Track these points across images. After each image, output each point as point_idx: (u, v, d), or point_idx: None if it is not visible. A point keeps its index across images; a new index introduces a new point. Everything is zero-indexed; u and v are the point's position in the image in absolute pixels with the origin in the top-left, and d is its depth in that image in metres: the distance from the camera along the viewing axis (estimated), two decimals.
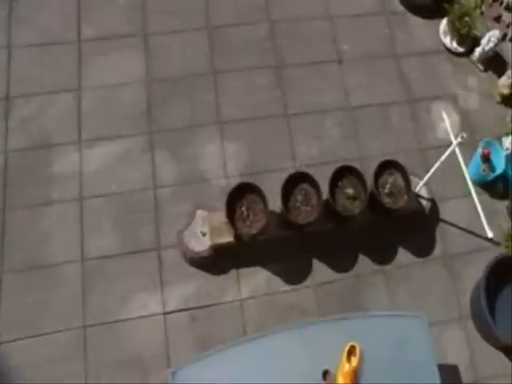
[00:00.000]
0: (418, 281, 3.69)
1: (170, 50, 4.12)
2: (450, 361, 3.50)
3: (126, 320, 3.39)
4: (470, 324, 3.63)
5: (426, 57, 4.43)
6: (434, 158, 3.46)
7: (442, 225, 3.89)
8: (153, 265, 3.53)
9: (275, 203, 3.38)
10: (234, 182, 3.49)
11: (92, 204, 3.63)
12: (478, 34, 4.40)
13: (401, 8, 4.57)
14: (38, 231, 3.53)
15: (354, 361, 2.63)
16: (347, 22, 4.43)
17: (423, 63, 4.40)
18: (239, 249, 3.52)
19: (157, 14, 4.21)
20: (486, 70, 4.43)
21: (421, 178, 3.65)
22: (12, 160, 3.69)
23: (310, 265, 3.65)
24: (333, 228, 3.62)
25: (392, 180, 3.57)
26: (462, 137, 3.14)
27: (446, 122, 3.58)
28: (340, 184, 3.48)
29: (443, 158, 3.31)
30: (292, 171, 3.53)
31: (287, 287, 3.58)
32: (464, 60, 4.45)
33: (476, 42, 4.40)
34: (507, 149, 4.07)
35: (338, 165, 3.50)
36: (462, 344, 3.57)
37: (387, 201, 3.51)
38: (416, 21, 4.54)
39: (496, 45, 4.24)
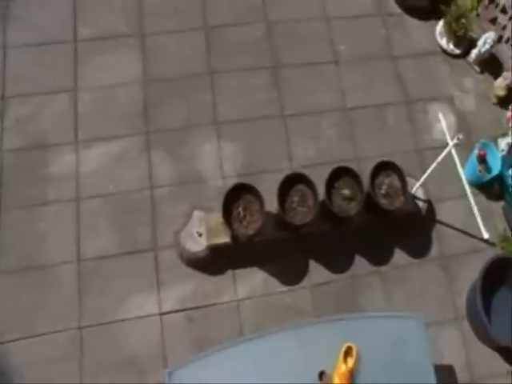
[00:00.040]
0: (414, 282, 3.70)
1: (166, 50, 4.11)
2: (446, 361, 3.51)
3: (122, 320, 3.38)
4: (466, 324, 3.65)
5: (422, 58, 4.44)
6: (430, 159, 3.47)
7: (438, 226, 3.90)
8: (149, 265, 3.53)
9: (272, 204, 3.37)
10: (231, 182, 3.49)
11: (89, 204, 3.63)
12: (474, 35, 4.42)
13: (397, 9, 4.59)
14: (34, 232, 3.52)
15: (351, 361, 2.63)
16: (344, 23, 4.43)
17: (420, 64, 4.41)
18: (236, 249, 3.53)
19: (153, 15, 4.21)
20: (482, 72, 4.45)
21: (417, 179, 3.66)
22: (8, 160, 3.68)
23: (307, 266, 3.65)
24: (329, 229, 3.62)
25: (388, 181, 3.58)
26: (458, 138, 3.15)
27: (443, 123, 3.60)
28: (336, 185, 3.48)
29: (439, 159, 3.32)
30: (288, 172, 3.53)
31: (284, 288, 3.58)
32: (460, 61, 4.47)
33: (472, 43, 4.41)
34: (503, 150, 4.08)
35: (335, 166, 3.50)
36: (457, 344, 3.58)
37: (383, 202, 3.51)
38: (412, 22, 4.56)
39: (492, 46, 4.26)
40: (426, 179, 3.55)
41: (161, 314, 3.42)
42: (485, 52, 4.28)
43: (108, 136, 3.81)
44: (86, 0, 4.18)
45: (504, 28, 4.38)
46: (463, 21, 4.27)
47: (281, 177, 3.40)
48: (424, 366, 2.75)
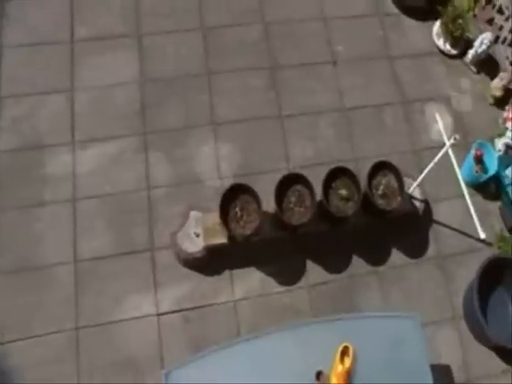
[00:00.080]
0: (411, 281, 3.71)
1: (164, 51, 4.11)
2: (443, 361, 3.51)
3: (119, 321, 3.37)
4: (463, 324, 3.65)
5: (419, 59, 4.45)
6: (427, 160, 3.48)
7: (435, 226, 3.91)
8: (146, 266, 3.52)
9: (269, 204, 3.37)
10: (228, 183, 3.48)
11: (85, 205, 3.61)
12: (470, 36, 4.43)
13: (395, 10, 4.59)
14: (30, 232, 3.50)
15: (348, 361, 2.64)
16: (341, 23, 4.44)
17: (417, 65, 4.42)
18: (233, 250, 3.52)
19: (151, 15, 4.20)
20: (478, 72, 4.46)
21: (414, 179, 3.66)
22: (3, 161, 3.66)
23: (304, 266, 3.65)
24: (326, 229, 3.62)
25: (385, 181, 3.58)
26: (455, 138, 3.16)
27: (440, 124, 3.60)
28: (334, 185, 3.48)
29: (436, 159, 3.33)
30: (286, 172, 3.52)
31: (281, 288, 3.58)
32: (457, 62, 4.48)
33: (469, 44, 4.42)
34: (500, 150, 4.10)
35: (332, 166, 3.50)
36: (454, 344, 3.59)
37: (381, 202, 3.52)
38: (410, 23, 4.57)
39: (489, 47, 4.27)
40: (423, 179, 3.55)
41: (158, 315, 3.41)
42: (481, 52, 4.29)
43: (105, 136, 3.80)
44: (82, 0, 4.17)
45: (501, 28, 4.39)
46: (460, 21, 4.28)
47: (278, 177, 3.40)
48: (421, 365, 2.75)
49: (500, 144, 4.12)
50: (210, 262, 3.52)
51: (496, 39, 4.40)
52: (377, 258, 3.75)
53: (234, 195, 3.36)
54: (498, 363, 3.58)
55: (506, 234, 3.92)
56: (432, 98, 4.30)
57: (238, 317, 3.46)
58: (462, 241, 3.86)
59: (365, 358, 2.68)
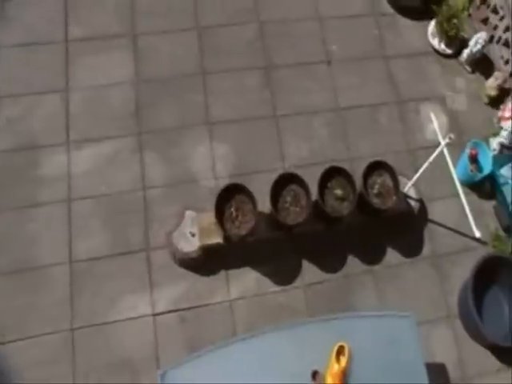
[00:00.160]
0: (406, 281, 3.72)
1: (158, 51, 4.10)
2: (438, 359, 3.52)
3: (115, 322, 3.37)
4: (458, 323, 3.66)
5: (414, 58, 4.46)
6: (422, 159, 3.48)
7: (430, 225, 3.92)
8: (142, 266, 3.51)
9: (264, 204, 3.37)
10: (223, 182, 3.48)
11: (80, 205, 3.60)
12: (465, 35, 4.45)
13: (390, 9, 4.60)
14: (26, 233, 3.49)
15: (343, 361, 2.64)
16: (336, 23, 4.44)
17: (412, 64, 4.43)
18: (228, 250, 3.52)
19: (146, 14, 4.19)
20: (473, 72, 4.47)
21: (409, 179, 3.67)
22: None
23: (300, 265, 3.66)
24: (322, 229, 3.63)
25: (381, 181, 3.58)
26: (450, 138, 3.16)
27: (435, 123, 3.61)
28: (329, 185, 3.49)
29: (431, 158, 3.33)
30: (281, 172, 3.52)
31: (277, 288, 3.58)
32: (452, 61, 4.49)
33: (464, 43, 4.44)
34: (494, 149, 4.11)
35: (327, 166, 3.50)
36: (449, 343, 3.60)
37: (376, 201, 3.52)
38: (405, 22, 4.58)
39: (483, 46, 4.28)
40: (418, 179, 3.56)
41: (153, 315, 3.41)
42: (476, 52, 4.30)
43: (100, 137, 3.80)
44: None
45: (495, 28, 4.41)
46: (455, 21, 4.29)
47: (273, 177, 3.40)
48: (416, 364, 2.75)
49: (495, 143, 4.13)
50: (206, 262, 3.52)
51: (491, 39, 4.42)
52: (372, 257, 3.76)
53: (230, 195, 3.36)
54: (493, 362, 3.59)
55: (501, 233, 3.94)
56: (427, 98, 4.31)
57: (233, 316, 3.46)
58: (456, 240, 3.87)
59: (360, 357, 2.69)
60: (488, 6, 4.48)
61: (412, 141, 4.13)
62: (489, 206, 4.05)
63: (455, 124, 4.23)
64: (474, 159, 3.94)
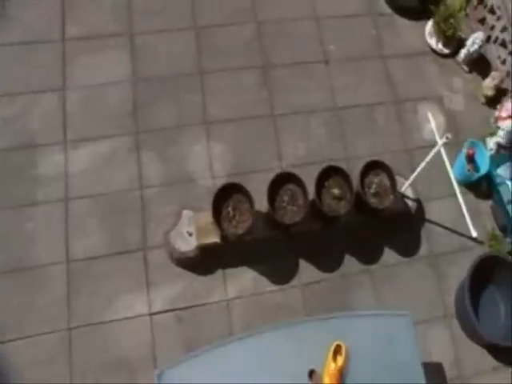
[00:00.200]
0: (403, 280, 3.72)
1: (156, 50, 4.09)
2: (435, 359, 3.53)
3: (112, 321, 3.36)
4: (455, 322, 3.67)
5: (412, 58, 4.47)
6: (419, 159, 3.48)
7: (427, 224, 3.92)
8: (139, 265, 3.51)
9: (261, 203, 3.37)
10: (221, 182, 3.47)
11: (78, 205, 3.60)
12: (462, 35, 4.46)
13: (387, 9, 4.60)
14: (23, 232, 3.48)
15: (340, 360, 2.64)
16: (334, 22, 4.44)
17: (409, 64, 4.44)
18: (225, 249, 3.52)
19: (143, 13, 4.19)
20: (470, 72, 4.48)
21: (406, 178, 3.67)
22: None
23: (297, 265, 3.66)
24: (319, 228, 3.63)
25: (378, 180, 3.59)
26: (447, 137, 3.16)
27: (432, 123, 3.62)
28: (326, 184, 3.49)
29: (428, 158, 3.33)
30: (278, 171, 3.53)
31: (274, 287, 3.58)
32: (449, 61, 4.50)
33: (461, 43, 4.44)
34: (491, 149, 4.12)
35: (324, 165, 3.50)
36: (446, 342, 3.61)
37: (373, 201, 3.53)
38: (402, 22, 4.58)
39: (480, 46, 4.29)
40: (415, 178, 3.56)
41: (150, 315, 3.41)
42: (473, 52, 4.31)
43: (97, 136, 3.79)
44: None
45: (492, 28, 4.42)
46: (452, 21, 4.29)
47: (271, 176, 3.40)
48: (413, 363, 2.76)
49: (492, 143, 4.14)
50: (203, 262, 3.52)
51: (488, 39, 4.42)
52: (369, 256, 3.76)
53: (227, 194, 3.36)
54: (489, 361, 3.60)
55: (498, 232, 3.95)
56: (424, 98, 4.31)
57: (230, 316, 3.46)
58: (453, 239, 3.87)
59: (357, 356, 2.69)
60: (485, 6, 4.48)
61: (409, 140, 4.14)
62: (486, 205, 4.06)
63: (452, 124, 4.24)
64: (471, 159, 3.95)
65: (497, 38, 4.38)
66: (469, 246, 3.84)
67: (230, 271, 3.57)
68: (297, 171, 3.48)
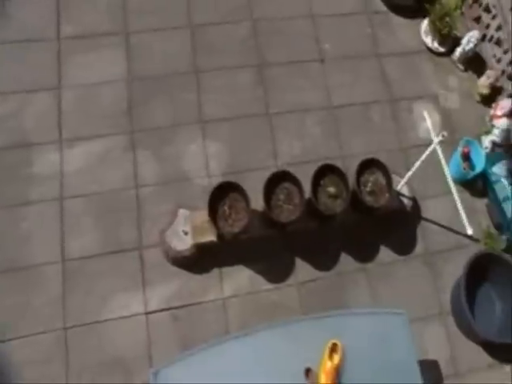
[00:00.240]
0: (399, 278, 3.73)
1: (151, 49, 4.08)
2: (431, 356, 3.53)
3: (107, 320, 3.35)
4: (451, 320, 3.68)
5: (407, 56, 4.47)
6: (415, 157, 3.49)
7: (422, 223, 3.93)
8: (135, 264, 3.50)
9: (257, 202, 3.37)
10: (216, 181, 3.47)
11: (72, 204, 3.58)
12: (458, 34, 4.47)
13: (383, 8, 4.61)
14: (17, 232, 3.47)
15: (336, 358, 2.64)
16: (329, 21, 4.44)
17: (405, 63, 4.44)
18: (221, 248, 3.52)
19: (138, 12, 4.17)
20: (466, 70, 4.49)
21: (402, 177, 3.68)
22: None
23: (293, 263, 3.66)
24: (315, 226, 3.63)
25: (373, 178, 3.59)
26: (443, 135, 3.17)
27: (427, 121, 3.61)
28: (322, 183, 3.49)
29: (424, 156, 3.34)
30: (274, 170, 3.53)
31: (270, 286, 3.58)
32: (445, 60, 4.51)
33: (456, 42, 4.45)
34: (486, 148, 4.13)
35: (320, 163, 3.50)
36: (442, 340, 3.62)
37: (369, 199, 3.53)
38: (398, 21, 4.59)
39: (476, 45, 4.30)
40: (410, 176, 3.57)
41: (146, 314, 3.40)
42: (469, 50, 4.32)
43: (92, 135, 3.77)
44: None
45: (487, 27, 4.43)
46: (447, 19, 4.30)
47: (266, 175, 3.39)
48: (409, 361, 2.76)
49: (487, 141, 4.16)
50: (199, 260, 3.51)
51: (483, 37, 4.44)
52: (365, 255, 3.76)
53: (223, 193, 3.35)
54: (484, 358, 3.61)
55: (493, 230, 3.96)
56: (420, 96, 4.32)
57: (226, 315, 3.46)
58: (449, 237, 3.89)
59: (353, 354, 2.69)
60: (480, 5, 4.50)
61: (405, 139, 4.14)
62: (481, 203, 4.07)
63: (448, 122, 4.25)
64: (466, 157, 3.96)
65: (492, 37, 4.39)
66: (464, 243, 3.85)
67: (226, 270, 3.57)
68: (292, 170, 3.48)
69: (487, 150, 4.11)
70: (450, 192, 3.49)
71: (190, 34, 4.18)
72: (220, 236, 3.40)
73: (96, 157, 3.73)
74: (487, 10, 4.42)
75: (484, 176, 4.02)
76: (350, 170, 3.58)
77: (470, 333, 3.60)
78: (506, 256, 3.74)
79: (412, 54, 4.49)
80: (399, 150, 4.10)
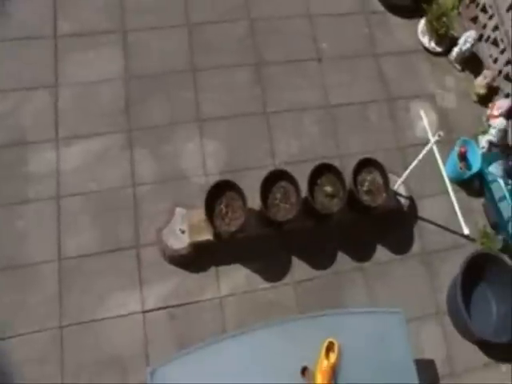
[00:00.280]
0: (396, 278, 3.73)
1: (148, 47, 4.08)
2: (427, 355, 3.54)
3: (104, 319, 3.35)
4: (447, 320, 3.69)
5: (404, 56, 4.48)
6: (412, 156, 3.49)
7: (419, 222, 3.94)
8: (131, 263, 3.50)
9: (254, 201, 3.37)
10: (214, 179, 3.47)
11: (70, 202, 3.58)
12: (455, 34, 4.47)
13: (380, 8, 4.62)
14: (14, 230, 3.46)
15: (333, 357, 2.64)
16: (327, 20, 4.45)
17: (402, 62, 4.45)
18: (218, 246, 3.52)
19: (135, 10, 4.16)
20: (463, 70, 4.50)
21: (399, 176, 3.68)
22: None
23: (290, 262, 3.66)
24: (312, 225, 3.63)
25: (371, 178, 3.60)
26: (440, 135, 3.18)
27: (424, 121, 3.62)
28: (319, 182, 3.49)
29: (421, 156, 3.35)
30: (271, 169, 3.52)
31: (267, 284, 3.58)
32: (442, 59, 4.52)
33: (453, 41, 4.46)
34: (483, 147, 4.14)
35: (317, 162, 3.51)
36: (438, 339, 3.63)
37: (366, 198, 3.53)
38: (395, 20, 4.59)
39: (472, 45, 4.31)
40: (407, 176, 3.57)
41: (143, 312, 3.40)
42: (466, 50, 4.33)
43: (89, 133, 3.77)
44: None
45: (484, 27, 4.44)
46: (444, 19, 4.31)
47: (263, 174, 3.39)
48: (405, 360, 2.77)
49: (483, 141, 4.16)
50: (196, 259, 3.51)
51: (480, 37, 4.45)
52: (362, 254, 3.77)
53: (220, 192, 3.35)
54: (480, 357, 3.62)
55: (489, 230, 3.97)
56: (417, 96, 4.33)
57: (223, 313, 3.46)
58: (446, 237, 3.90)
59: (350, 353, 2.69)
60: (477, 5, 4.51)
61: (402, 138, 4.15)
62: (477, 203, 4.08)
63: (445, 122, 4.26)
64: (463, 157, 3.96)
65: (489, 37, 4.40)
66: (461, 243, 3.86)
67: (222, 269, 3.57)
68: (289, 169, 3.48)
69: (484, 150, 4.12)
70: (446, 192, 3.50)
71: (188, 32, 4.18)
72: (217, 235, 3.40)
73: (93, 155, 3.72)
74: (484, 10, 4.44)
75: (481, 176, 4.03)
76: (347, 169, 3.59)
77: (466, 332, 3.61)
78: (503, 256, 3.75)
79: (409, 53, 4.50)
80: (396, 149, 4.10)
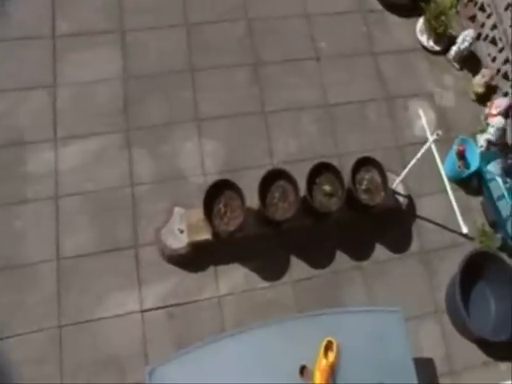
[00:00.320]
0: (394, 276, 3.73)
1: (147, 47, 4.08)
2: (426, 354, 3.54)
3: (102, 319, 3.35)
4: (446, 318, 3.69)
5: (403, 55, 4.48)
6: (410, 155, 3.49)
7: (418, 221, 3.94)
8: (130, 263, 3.50)
9: (253, 200, 3.37)
10: (212, 179, 3.47)
11: (68, 202, 3.57)
12: (453, 32, 4.48)
13: (378, 6, 4.62)
14: (12, 230, 3.45)
15: (331, 356, 2.64)
16: (325, 19, 4.45)
17: (400, 61, 4.45)
18: (217, 246, 3.51)
19: (134, 10, 4.17)
20: (461, 69, 4.50)
21: (397, 175, 3.68)
22: None
23: (288, 261, 3.66)
24: (310, 224, 3.63)
25: (369, 177, 3.60)
26: (438, 134, 3.18)
27: (423, 120, 3.63)
28: (317, 181, 3.49)
29: (419, 154, 3.35)
30: (269, 168, 3.52)
31: (265, 284, 3.58)
32: (440, 58, 4.52)
33: (452, 40, 4.47)
34: (481, 146, 4.14)
35: (316, 161, 3.51)
36: (437, 338, 3.63)
37: (364, 197, 3.53)
38: (393, 19, 4.60)
39: (471, 44, 4.31)
40: (406, 175, 3.57)
41: (142, 312, 3.39)
42: (464, 49, 4.33)
43: (87, 133, 3.76)
44: None
45: (482, 26, 4.45)
46: (443, 18, 4.32)
47: (262, 173, 3.39)
48: (404, 359, 2.77)
49: (482, 140, 4.17)
50: (194, 259, 3.51)
51: (478, 36, 4.45)
52: (360, 253, 3.77)
53: (218, 191, 3.35)
54: (479, 355, 3.63)
55: (488, 228, 3.97)
56: (415, 94, 4.33)
57: (222, 313, 3.46)
58: (444, 235, 3.90)
59: (348, 352, 2.69)
60: (475, 4, 4.51)
61: (400, 137, 4.15)
62: (476, 201, 4.08)
63: (443, 120, 4.26)
64: (461, 155, 3.97)
65: (487, 36, 4.40)
66: (459, 242, 3.86)
67: (221, 268, 3.57)
68: (288, 168, 3.48)
69: (482, 149, 4.12)
70: (445, 190, 3.51)
71: (186, 32, 4.18)
72: (215, 234, 3.40)
73: (91, 155, 3.72)
74: (482, 8, 4.44)
75: (479, 174, 4.03)
76: (346, 168, 3.59)
77: (464, 331, 3.61)
78: (501, 254, 3.75)
79: (407, 52, 4.50)
80: (395, 147, 4.10)
